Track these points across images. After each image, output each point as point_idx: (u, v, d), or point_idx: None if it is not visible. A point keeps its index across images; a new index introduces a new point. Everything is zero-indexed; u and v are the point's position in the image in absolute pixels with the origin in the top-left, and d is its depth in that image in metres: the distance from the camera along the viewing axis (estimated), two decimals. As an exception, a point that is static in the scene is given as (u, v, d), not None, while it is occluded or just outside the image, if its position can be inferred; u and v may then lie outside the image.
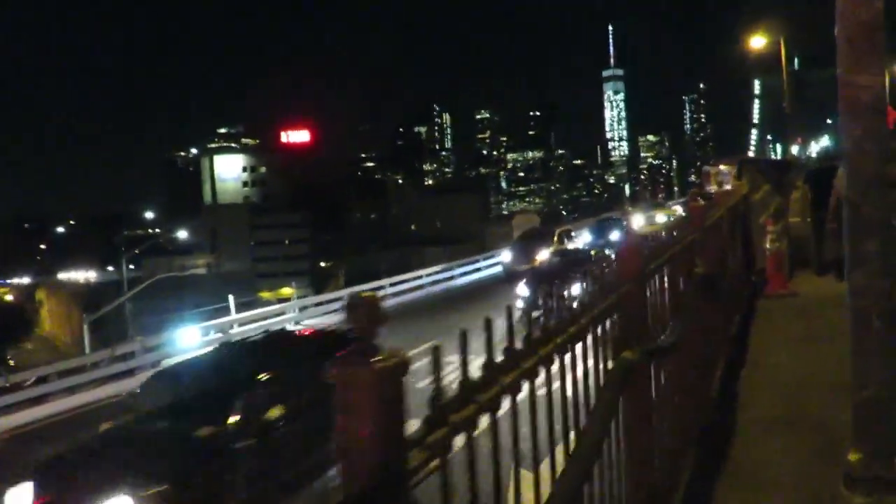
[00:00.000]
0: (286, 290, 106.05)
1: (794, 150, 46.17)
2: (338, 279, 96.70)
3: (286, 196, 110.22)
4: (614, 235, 26.27)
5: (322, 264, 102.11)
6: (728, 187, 8.97)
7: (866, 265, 2.74)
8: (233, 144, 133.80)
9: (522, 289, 14.14)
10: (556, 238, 25.67)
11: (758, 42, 27.98)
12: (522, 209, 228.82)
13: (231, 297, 18.57)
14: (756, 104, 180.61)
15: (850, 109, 2.77)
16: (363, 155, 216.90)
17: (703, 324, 3.68)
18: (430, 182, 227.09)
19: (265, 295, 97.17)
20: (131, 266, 54.93)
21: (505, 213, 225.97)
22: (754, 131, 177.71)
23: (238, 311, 18.42)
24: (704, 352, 3.68)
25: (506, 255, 25.19)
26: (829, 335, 5.33)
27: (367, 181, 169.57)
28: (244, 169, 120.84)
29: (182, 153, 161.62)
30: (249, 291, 52.88)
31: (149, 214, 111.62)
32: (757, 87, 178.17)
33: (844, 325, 2.96)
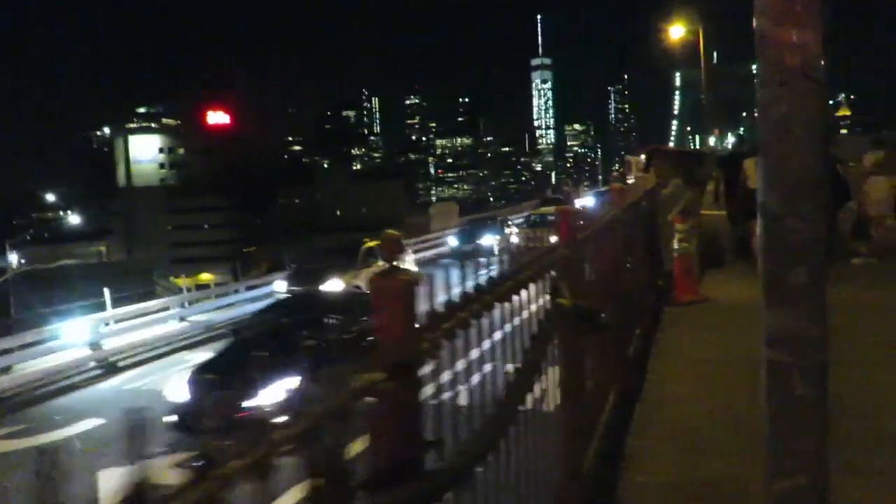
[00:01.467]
0: (205, 276, 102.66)
1: (711, 141, 47.00)
2: (261, 266, 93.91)
3: (207, 179, 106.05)
4: (487, 240, 22.95)
5: (245, 250, 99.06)
6: (631, 179, 8.29)
7: (790, 303, 1.88)
8: (152, 124, 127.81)
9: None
10: (360, 256, 17.76)
11: (677, 32, 27.87)
12: (450, 196, 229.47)
13: (106, 291, 16.91)
14: (677, 96, 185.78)
15: (772, 77, 1.89)
16: (290, 139, 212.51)
17: (578, 366, 2.80)
18: (359, 167, 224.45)
19: (181, 282, 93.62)
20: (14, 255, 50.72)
21: (434, 199, 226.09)
22: (675, 123, 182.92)
23: (116, 305, 16.72)
24: (579, 403, 2.78)
25: (279, 284, 18.04)
26: (742, 354, 4.56)
27: (293, 165, 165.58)
28: (161, 150, 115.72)
29: (98, 133, 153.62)
30: (149, 282, 49.52)
31: (50, 197, 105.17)
32: (678, 79, 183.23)
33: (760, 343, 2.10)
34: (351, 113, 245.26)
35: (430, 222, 41.14)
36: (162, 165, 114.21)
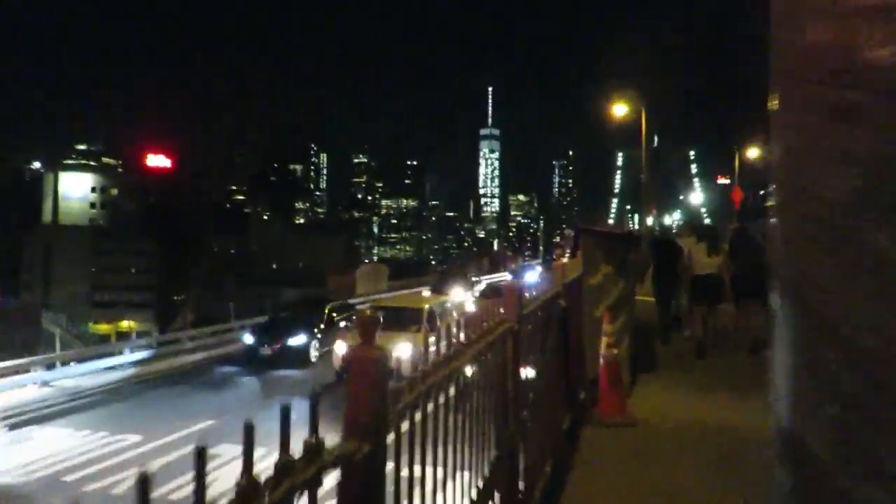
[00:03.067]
0: (126, 324, 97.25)
1: (649, 220, 47.26)
2: (185, 315, 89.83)
3: (138, 222, 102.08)
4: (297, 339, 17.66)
5: (175, 298, 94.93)
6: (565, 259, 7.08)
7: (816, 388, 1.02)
8: (90, 162, 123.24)
9: None
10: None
11: (621, 111, 27.74)
12: (392, 256, 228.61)
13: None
14: (618, 175, 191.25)
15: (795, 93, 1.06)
16: (233, 187, 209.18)
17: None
18: (302, 221, 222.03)
19: (102, 328, 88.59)
20: None
21: (375, 258, 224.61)
22: (616, 200, 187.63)
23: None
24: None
25: (248, 337, 18.31)
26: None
27: (230, 214, 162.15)
28: (94, 189, 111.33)
29: (30, 166, 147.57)
30: (36, 330, 44.62)
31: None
32: (620, 158, 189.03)
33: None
34: (298, 166, 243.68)
35: (353, 284, 38.86)
36: (93, 205, 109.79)
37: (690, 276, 9.60)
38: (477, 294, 26.67)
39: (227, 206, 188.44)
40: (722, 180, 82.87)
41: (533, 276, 31.50)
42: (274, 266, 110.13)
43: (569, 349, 4.80)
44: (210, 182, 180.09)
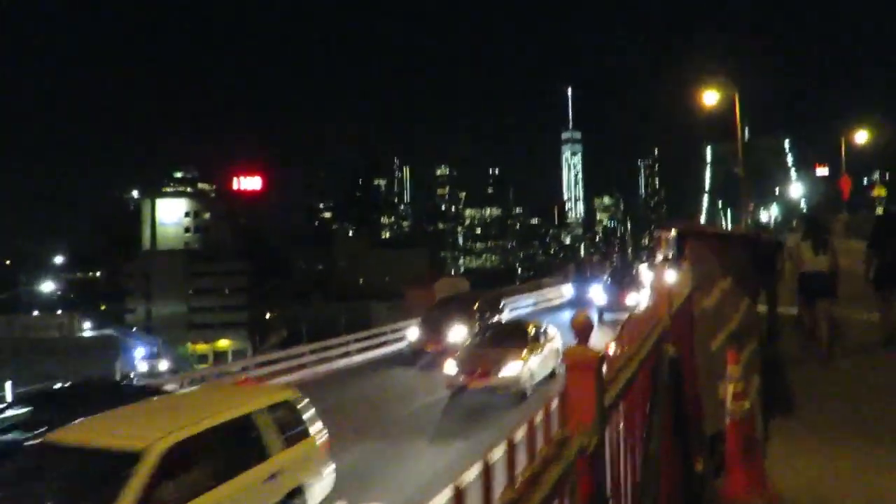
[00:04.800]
0: (223, 343, 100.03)
1: (764, 217, 43.98)
2: (280, 332, 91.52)
3: (230, 243, 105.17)
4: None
5: (267, 316, 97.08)
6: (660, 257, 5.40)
7: None
8: (186, 189, 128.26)
9: None
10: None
11: (710, 99, 25.47)
12: (478, 266, 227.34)
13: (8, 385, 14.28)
14: (708, 170, 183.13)
15: None
16: (321, 205, 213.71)
17: None
18: (387, 235, 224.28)
19: (199, 348, 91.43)
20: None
21: (461, 268, 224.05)
22: (706, 197, 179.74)
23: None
24: None
25: (412, 332, 20.03)
26: None
27: (318, 231, 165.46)
28: (187, 214, 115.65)
29: (129, 195, 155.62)
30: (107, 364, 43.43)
31: (59, 259, 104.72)
32: (709, 154, 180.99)
33: None
34: (382, 181, 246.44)
35: (433, 297, 37.95)
36: (187, 229, 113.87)
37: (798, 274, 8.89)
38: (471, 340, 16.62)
39: (315, 223, 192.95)
40: (820, 169, 77.09)
41: (598, 292, 28.23)
42: (361, 281, 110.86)
43: (683, 412, 3.24)
44: (300, 200, 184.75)
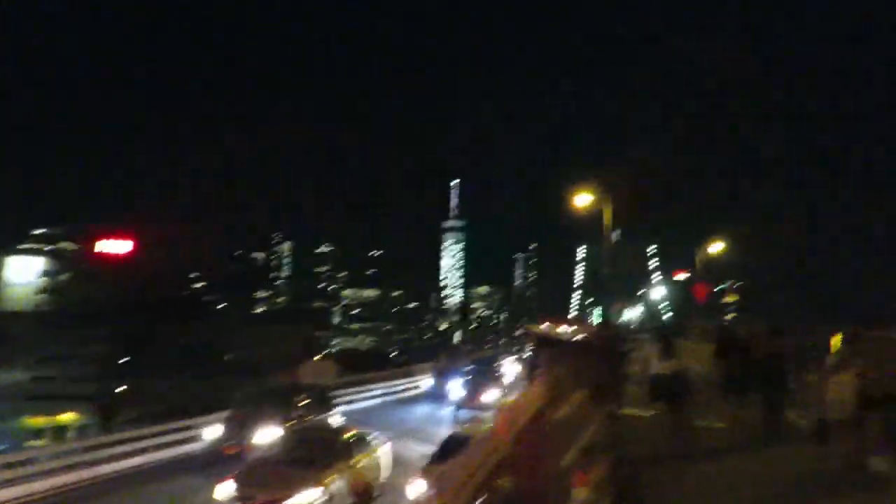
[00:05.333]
0: (65, 417, 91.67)
1: (627, 314, 46.50)
2: (133, 408, 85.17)
3: (89, 308, 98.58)
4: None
5: (118, 390, 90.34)
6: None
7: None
8: (46, 247, 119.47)
9: None
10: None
11: (583, 201, 27.21)
12: (354, 346, 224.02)
13: None
14: (580, 268, 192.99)
15: None
16: (192, 275, 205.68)
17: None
18: (262, 310, 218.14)
19: (37, 422, 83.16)
20: None
21: (335, 349, 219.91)
22: (577, 294, 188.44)
23: None
24: None
25: (212, 430, 16.85)
26: None
27: (188, 302, 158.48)
28: (44, 274, 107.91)
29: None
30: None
31: None
32: (582, 253, 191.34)
33: None
34: (260, 255, 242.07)
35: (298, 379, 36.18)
36: (42, 291, 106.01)
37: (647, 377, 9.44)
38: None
39: (186, 293, 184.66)
40: (680, 275, 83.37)
41: (456, 386, 27.16)
42: (225, 357, 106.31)
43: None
44: (171, 269, 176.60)
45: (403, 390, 32.66)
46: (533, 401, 4.13)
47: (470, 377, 27.80)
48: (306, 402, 18.52)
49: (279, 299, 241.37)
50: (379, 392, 31.04)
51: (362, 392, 28.56)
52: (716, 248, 47.48)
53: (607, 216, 28.24)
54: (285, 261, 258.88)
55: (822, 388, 7.34)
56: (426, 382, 32.79)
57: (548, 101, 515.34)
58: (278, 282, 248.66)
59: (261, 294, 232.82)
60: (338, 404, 22.33)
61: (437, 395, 28.81)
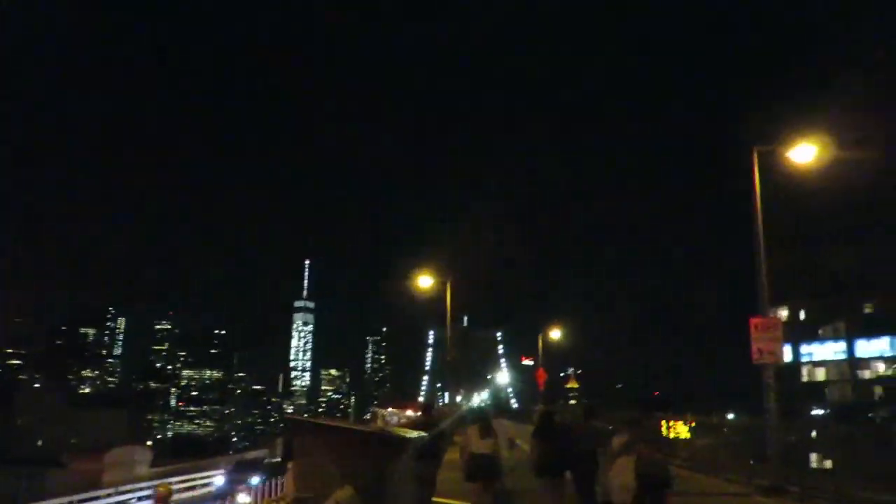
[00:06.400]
0: None
1: (458, 399, 47.33)
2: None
3: None
4: None
5: None
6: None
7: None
8: None
9: None
10: None
11: (426, 284, 27.98)
12: (189, 432, 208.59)
13: None
14: (429, 353, 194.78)
15: None
16: (9, 350, 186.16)
17: None
18: (88, 390, 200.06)
19: None
20: None
21: (170, 434, 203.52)
22: (427, 377, 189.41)
23: None
24: None
25: None
26: None
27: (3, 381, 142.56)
28: None
29: None
30: None
31: None
32: (430, 337, 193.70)
33: None
34: (91, 330, 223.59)
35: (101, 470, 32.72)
36: None
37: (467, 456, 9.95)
38: None
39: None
40: (526, 361, 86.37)
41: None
42: (39, 443, 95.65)
43: None
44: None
45: (201, 485, 30.16)
46: (283, 497, 3.67)
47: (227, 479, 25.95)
48: None
49: (110, 379, 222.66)
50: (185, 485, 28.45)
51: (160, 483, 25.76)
52: (555, 334, 50.08)
53: (448, 299, 29.13)
54: (119, 337, 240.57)
55: (607, 470, 7.81)
56: (218, 480, 30.77)
57: (400, 196, 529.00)
58: (110, 360, 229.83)
59: (88, 373, 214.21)
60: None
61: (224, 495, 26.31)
